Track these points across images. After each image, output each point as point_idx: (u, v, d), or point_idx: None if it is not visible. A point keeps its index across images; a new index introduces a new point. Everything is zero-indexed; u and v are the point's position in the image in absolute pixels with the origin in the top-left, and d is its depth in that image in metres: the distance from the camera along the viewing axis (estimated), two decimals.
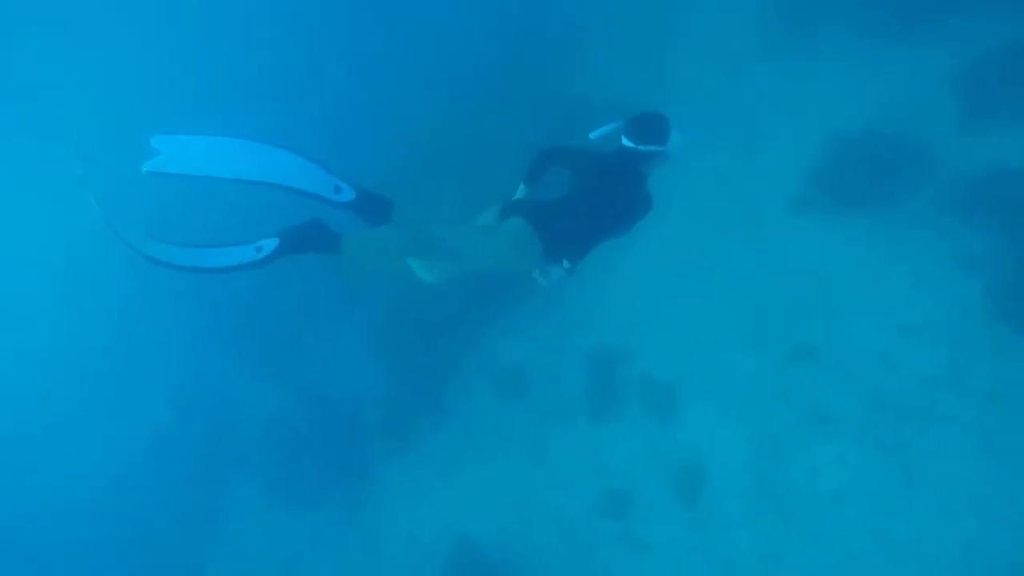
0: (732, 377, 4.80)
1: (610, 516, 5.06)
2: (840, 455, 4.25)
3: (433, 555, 5.68)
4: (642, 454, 5.01)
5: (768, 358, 4.71)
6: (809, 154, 5.06)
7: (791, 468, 4.42)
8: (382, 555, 5.98)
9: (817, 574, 4.25)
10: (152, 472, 7.14)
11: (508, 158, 3.59)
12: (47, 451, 7.87)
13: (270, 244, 2.57)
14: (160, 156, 2.58)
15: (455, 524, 5.67)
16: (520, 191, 3.36)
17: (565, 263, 3.14)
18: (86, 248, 7.59)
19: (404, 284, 3.08)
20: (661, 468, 4.90)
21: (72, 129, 7.49)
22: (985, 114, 4.62)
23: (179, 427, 7.22)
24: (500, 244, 2.96)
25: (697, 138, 3.20)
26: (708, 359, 4.95)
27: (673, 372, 5.07)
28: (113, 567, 6.95)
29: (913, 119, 4.83)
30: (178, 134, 2.65)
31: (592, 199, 3.10)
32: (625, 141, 3.12)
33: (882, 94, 5.06)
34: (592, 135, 3.25)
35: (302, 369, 6.63)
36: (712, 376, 4.89)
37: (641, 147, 3.06)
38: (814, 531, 4.31)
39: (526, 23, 6.75)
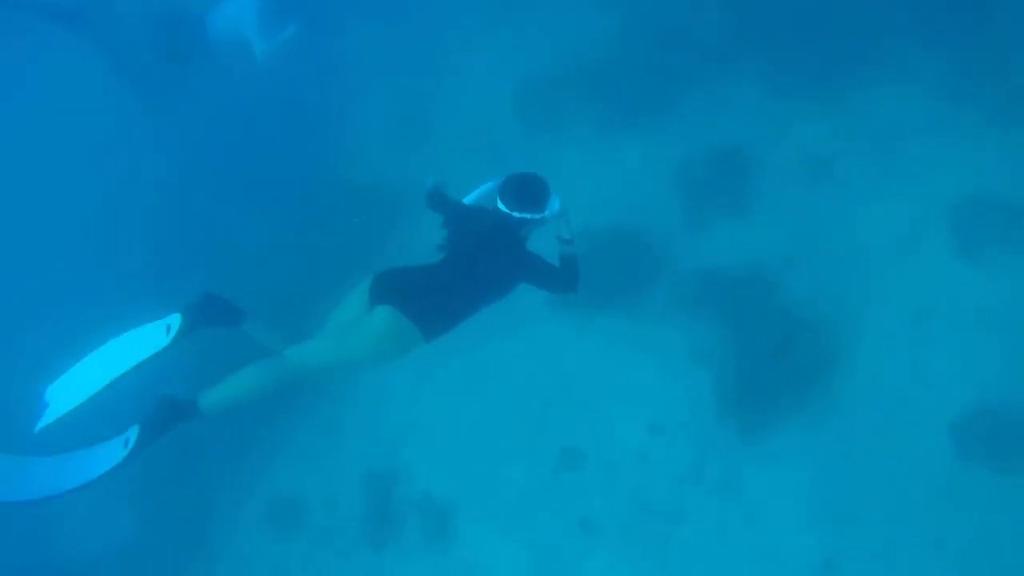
0: (506, 490, 4.72)
1: None
2: (608, 563, 4.32)
3: None
4: None
5: (538, 467, 4.69)
6: None
7: None
8: None
9: None
10: None
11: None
12: None
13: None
14: (48, 407, 2.56)
15: None
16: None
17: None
18: None
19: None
20: None
21: None
22: (703, 209, 5.08)
23: None
24: (375, 341, 2.74)
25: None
26: (482, 472, 4.82)
27: (450, 490, 4.88)
28: None
29: (646, 213, 5.19)
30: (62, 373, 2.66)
31: (467, 266, 2.90)
32: (500, 205, 2.91)
33: (618, 188, 5.38)
34: (466, 200, 3.08)
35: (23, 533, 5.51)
36: (487, 490, 4.76)
37: (515, 214, 2.85)
38: None
39: (291, 117, 6.44)
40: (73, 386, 2.63)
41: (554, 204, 2.89)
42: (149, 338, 2.63)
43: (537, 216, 2.87)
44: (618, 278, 4.89)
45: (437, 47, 6.85)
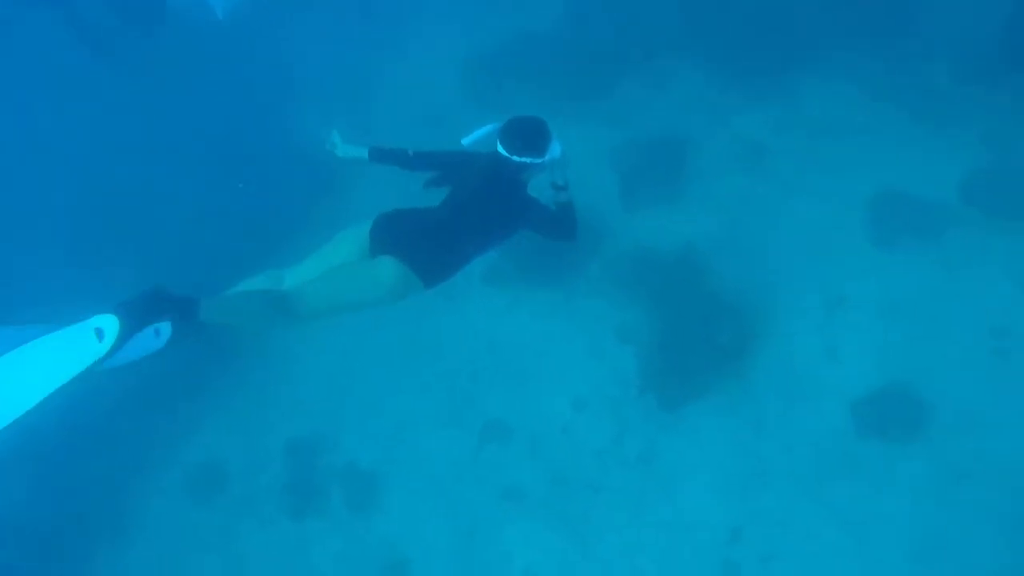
0: (432, 461, 4.73)
1: None
2: (529, 533, 4.38)
3: None
4: (346, 553, 4.73)
5: (464, 438, 4.72)
6: None
7: (489, 551, 4.46)
8: None
9: None
10: None
11: None
12: None
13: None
14: None
15: None
16: (355, 151, 3.07)
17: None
18: None
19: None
20: (366, 566, 4.67)
21: None
22: (638, 192, 5.17)
23: None
24: (377, 289, 2.67)
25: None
26: (409, 442, 4.82)
27: (375, 458, 4.86)
28: None
29: (583, 192, 5.22)
30: None
31: (468, 212, 2.83)
32: (499, 149, 2.83)
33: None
34: (464, 140, 2.95)
35: None
36: (413, 460, 4.76)
37: (515, 157, 2.78)
38: None
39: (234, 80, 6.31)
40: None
41: (555, 149, 2.83)
42: (77, 346, 2.20)
43: (537, 160, 2.80)
44: (552, 255, 4.92)
45: (387, 14, 6.77)
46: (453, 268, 2.87)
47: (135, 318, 2.24)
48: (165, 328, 2.34)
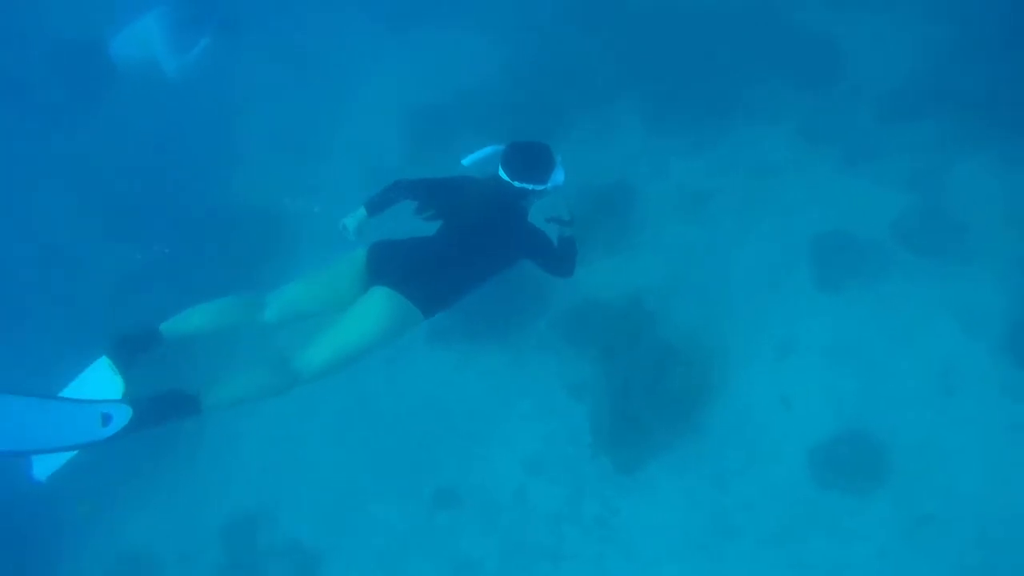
0: (379, 533, 4.44)
1: None
2: None
3: None
4: None
5: (413, 507, 4.45)
6: None
7: None
8: None
9: None
10: None
11: None
12: None
13: (121, 414, 2.21)
14: None
15: None
16: (357, 216, 2.93)
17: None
18: None
19: None
20: None
21: None
22: (582, 242, 5.08)
23: None
24: (376, 326, 2.58)
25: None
26: (354, 515, 4.53)
27: (319, 535, 4.54)
28: None
29: None
30: None
31: (466, 238, 2.72)
32: (500, 172, 2.72)
33: None
34: (465, 161, 2.84)
35: None
36: (359, 534, 4.47)
37: (516, 183, 2.67)
38: None
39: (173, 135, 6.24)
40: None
41: (558, 176, 2.72)
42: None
43: (538, 188, 2.70)
44: (498, 311, 4.79)
45: (328, 68, 6.75)
46: (452, 297, 2.76)
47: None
48: (120, 415, 2.26)
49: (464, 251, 2.74)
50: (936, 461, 3.70)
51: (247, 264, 5.51)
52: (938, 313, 4.28)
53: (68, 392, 2.53)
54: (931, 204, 4.73)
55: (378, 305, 2.60)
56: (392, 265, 2.69)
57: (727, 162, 5.29)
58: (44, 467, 2.41)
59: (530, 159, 2.72)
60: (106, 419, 2.26)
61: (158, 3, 5.36)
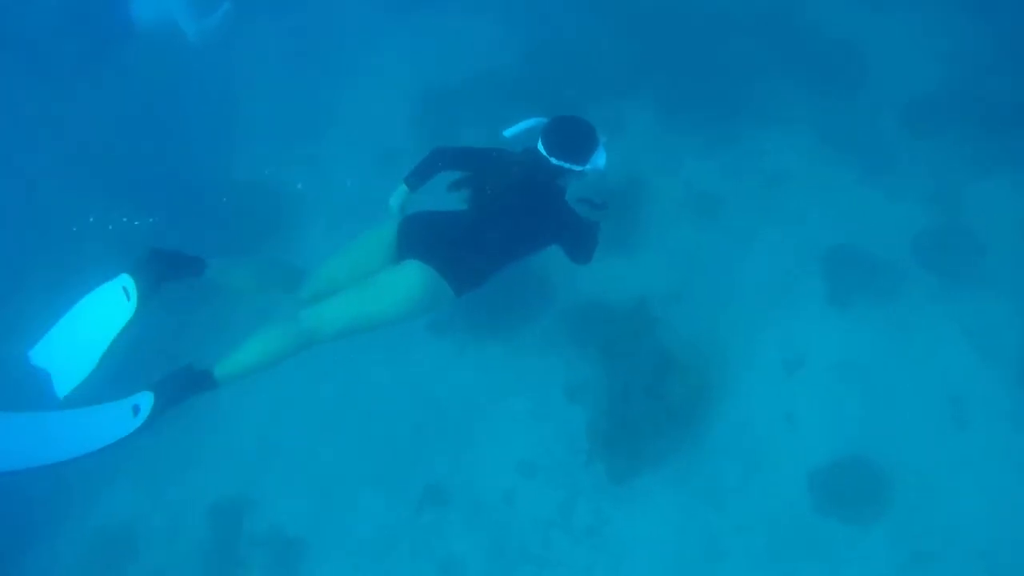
0: (364, 526, 4.34)
1: None
2: None
3: None
4: None
5: (401, 502, 4.35)
6: None
7: None
8: None
9: None
10: None
11: None
12: None
13: (145, 401, 2.27)
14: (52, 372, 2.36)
15: None
16: (400, 193, 2.81)
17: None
18: None
19: None
20: None
21: None
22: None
23: None
24: (404, 299, 2.48)
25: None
26: (340, 505, 4.42)
27: (303, 524, 4.45)
28: None
29: None
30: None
31: (501, 214, 2.60)
32: (540, 147, 2.61)
33: None
34: (507, 132, 2.73)
35: None
36: (344, 526, 4.37)
37: (553, 159, 2.55)
38: None
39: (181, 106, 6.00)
40: (63, 350, 2.43)
41: (599, 159, 2.60)
42: (111, 304, 2.43)
43: (576, 168, 2.57)
44: (501, 305, 4.67)
45: (341, 43, 6.58)
46: (485, 275, 2.65)
47: (146, 277, 2.37)
48: (144, 402, 2.29)
49: (499, 228, 2.61)
50: (940, 496, 3.60)
51: (245, 239, 5.37)
52: (952, 337, 4.16)
53: (77, 309, 2.53)
54: (950, 223, 4.59)
55: (410, 279, 2.50)
56: (426, 239, 2.58)
57: (741, 165, 5.13)
58: (64, 383, 2.40)
59: (571, 136, 2.60)
60: (136, 410, 2.31)
61: None
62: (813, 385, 4.13)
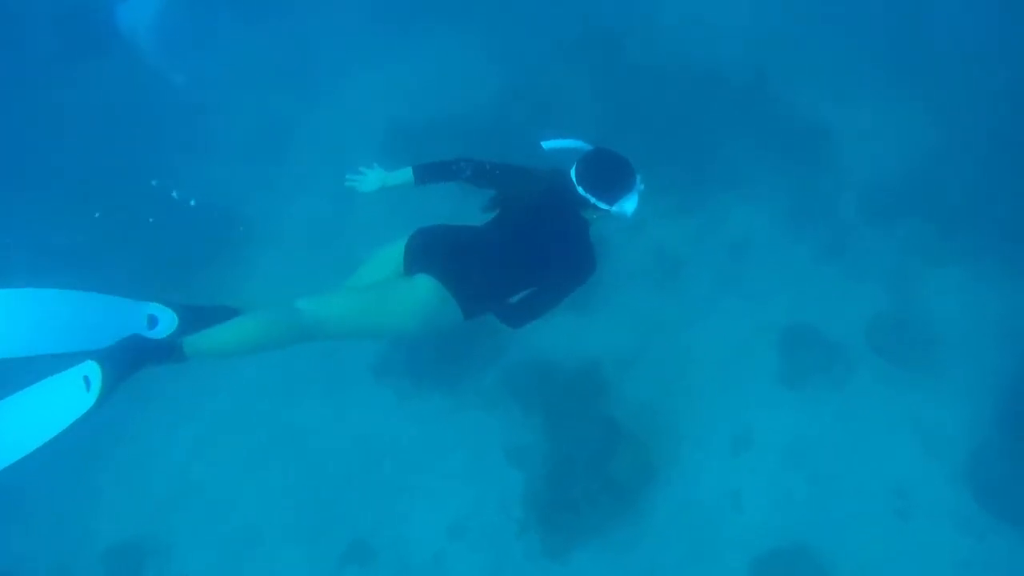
0: None
1: None
2: None
3: None
4: None
5: (322, 557, 4.06)
6: None
7: None
8: None
9: None
10: None
11: None
12: None
13: (94, 372, 1.96)
14: None
15: None
16: (399, 176, 2.63)
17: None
18: None
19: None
20: None
21: None
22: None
23: None
24: (409, 313, 2.33)
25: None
26: (256, 558, 4.11)
27: (214, 574, 4.13)
28: None
29: None
30: None
31: (522, 234, 2.45)
32: (571, 172, 2.43)
33: None
34: (545, 144, 2.55)
35: None
36: None
37: (580, 189, 2.38)
38: None
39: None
40: None
41: (627, 204, 2.41)
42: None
43: (601, 205, 2.40)
44: (447, 353, 4.47)
45: (315, 63, 6.43)
46: (497, 299, 2.47)
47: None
48: (94, 375, 1.98)
49: (518, 247, 2.46)
50: None
51: (193, 260, 5.10)
52: (901, 427, 4.12)
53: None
54: (905, 310, 4.60)
55: (419, 294, 2.34)
56: (441, 255, 2.41)
57: (706, 231, 5.10)
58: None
59: (607, 172, 2.43)
60: (87, 382, 2.00)
61: None
62: (760, 466, 4.02)
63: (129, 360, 2.03)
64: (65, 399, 2.00)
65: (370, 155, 5.68)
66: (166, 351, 2.09)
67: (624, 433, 4.03)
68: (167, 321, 2.28)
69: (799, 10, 6.14)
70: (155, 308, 2.29)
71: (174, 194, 5.24)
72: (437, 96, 6.01)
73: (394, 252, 2.50)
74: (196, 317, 2.29)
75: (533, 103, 5.78)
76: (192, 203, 5.24)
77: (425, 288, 2.34)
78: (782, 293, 4.69)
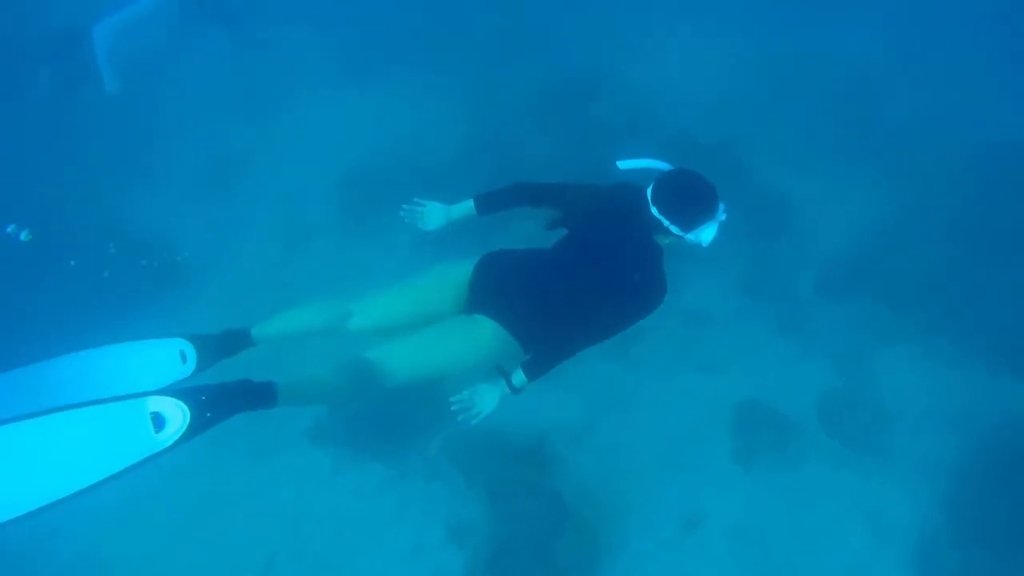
0: None
1: None
2: None
3: None
4: None
5: None
6: None
7: None
8: None
9: None
10: None
11: None
12: None
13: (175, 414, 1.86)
14: None
15: None
16: (462, 209, 2.55)
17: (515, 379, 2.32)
18: None
19: None
20: None
21: None
22: None
23: None
24: (473, 357, 2.32)
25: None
26: None
27: None
28: None
29: None
30: None
31: (592, 264, 2.29)
32: (648, 191, 2.30)
33: None
34: (621, 164, 2.46)
35: None
36: None
37: (654, 209, 2.25)
38: None
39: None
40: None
41: (705, 232, 2.27)
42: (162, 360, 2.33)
43: (675, 231, 2.26)
44: (390, 420, 4.25)
45: (274, 102, 6.26)
46: (563, 340, 2.32)
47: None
48: (177, 417, 1.90)
49: (586, 280, 2.32)
50: None
51: (129, 298, 4.81)
52: (850, 513, 4.04)
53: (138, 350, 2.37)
54: (855, 389, 4.57)
55: (481, 340, 2.32)
56: (503, 293, 2.34)
57: (665, 303, 5.01)
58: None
59: (688, 195, 2.30)
60: (157, 420, 1.97)
61: None
62: (708, 550, 3.88)
63: (233, 406, 2.06)
64: (123, 436, 1.95)
65: (323, 197, 5.65)
66: (267, 398, 2.12)
67: (571, 512, 3.85)
68: (191, 354, 2.37)
69: (769, 76, 6.28)
70: (182, 343, 2.37)
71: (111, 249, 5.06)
72: (396, 140, 5.90)
73: (457, 275, 2.46)
74: (207, 346, 2.41)
75: (496, 152, 5.70)
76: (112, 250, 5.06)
77: (489, 334, 2.30)
78: (736, 368, 4.62)
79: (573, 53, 6.46)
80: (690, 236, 2.30)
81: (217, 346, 2.46)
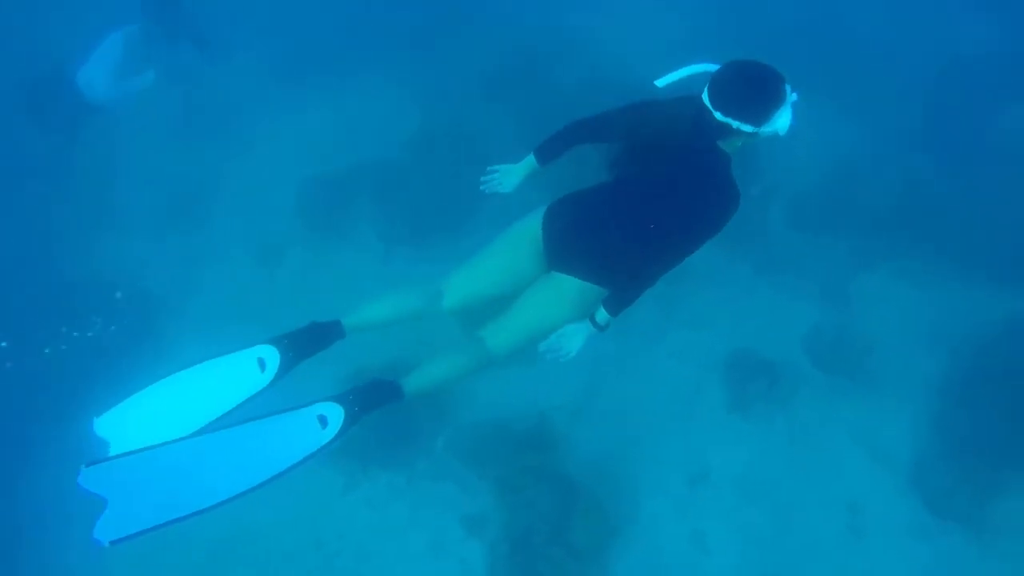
0: None
1: None
2: None
3: None
4: None
5: None
6: None
7: None
8: None
9: None
10: None
11: None
12: None
13: (334, 413, 2.33)
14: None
15: None
16: (525, 165, 2.59)
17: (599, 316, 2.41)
18: None
19: None
20: None
21: None
22: None
23: None
24: (569, 311, 2.43)
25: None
26: None
27: None
28: None
29: (424, 347, 4.68)
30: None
31: (658, 194, 2.24)
32: (704, 97, 2.13)
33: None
34: (659, 82, 2.30)
35: None
36: None
37: (718, 114, 2.09)
38: None
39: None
40: (134, 421, 2.35)
41: (780, 120, 2.08)
42: (238, 372, 2.43)
43: (746, 129, 2.08)
44: (392, 427, 4.29)
45: (228, 119, 6.09)
46: (641, 274, 2.37)
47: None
48: (333, 414, 2.31)
49: (654, 210, 2.25)
50: None
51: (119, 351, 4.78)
52: (847, 443, 4.19)
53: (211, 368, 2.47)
54: (839, 320, 4.68)
55: (568, 297, 2.43)
56: (572, 244, 2.39)
57: None
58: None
59: (747, 86, 2.08)
60: (323, 421, 2.33)
61: (126, 23, 5.12)
62: (719, 500, 4.02)
63: (371, 402, 2.38)
64: (303, 436, 2.30)
65: (287, 210, 5.56)
66: (397, 393, 2.43)
67: (581, 489, 3.95)
68: (272, 359, 2.45)
69: (730, 16, 6.18)
70: (261, 350, 2.46)
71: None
72: (352, 143, 5.80)
73: (529, 231, 2.51)
74: (292, 343, 2.47)
75: (455, 139, 5.62)
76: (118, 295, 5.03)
77: (568, 289, 2.41)
78: (721, 320, 4.69)
79: (525, 19, 6.31)
80: (765, 129, 2.11)
81: (307, 341, 2.51)
